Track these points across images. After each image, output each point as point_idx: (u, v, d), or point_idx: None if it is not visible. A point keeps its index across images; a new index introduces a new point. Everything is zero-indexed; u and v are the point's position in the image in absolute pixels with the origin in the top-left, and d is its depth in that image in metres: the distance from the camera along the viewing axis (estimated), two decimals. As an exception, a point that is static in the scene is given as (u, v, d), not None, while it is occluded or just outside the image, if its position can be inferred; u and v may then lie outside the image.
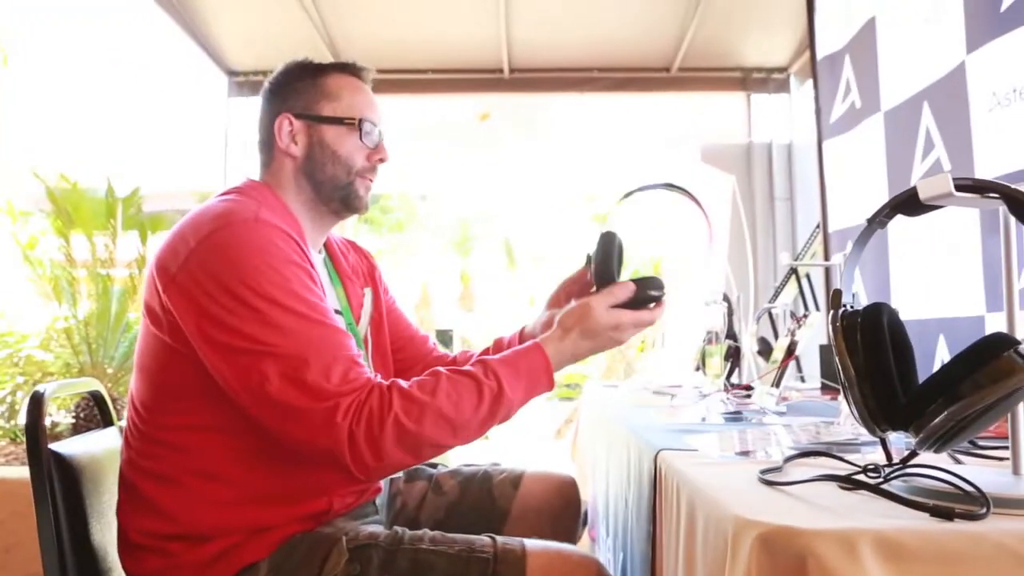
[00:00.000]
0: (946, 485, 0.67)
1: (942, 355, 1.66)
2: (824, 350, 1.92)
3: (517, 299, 10.22)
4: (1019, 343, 0.62)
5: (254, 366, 0.90)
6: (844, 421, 1.15)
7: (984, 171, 1.51)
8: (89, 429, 1.29)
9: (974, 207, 0.72)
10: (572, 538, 1.32)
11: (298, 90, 1.11)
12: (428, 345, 1.38)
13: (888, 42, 1.97)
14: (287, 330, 0.91)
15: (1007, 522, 0.61)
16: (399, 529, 1.02)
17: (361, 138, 1.11)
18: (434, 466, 1.37)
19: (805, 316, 1.48)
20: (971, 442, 0.95)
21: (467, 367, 0.99)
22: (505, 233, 11.00)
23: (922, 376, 0.70)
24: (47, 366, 3.64)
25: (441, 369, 0.98)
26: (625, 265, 1.12)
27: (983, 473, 0.72)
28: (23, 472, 2.35)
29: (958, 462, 0.86)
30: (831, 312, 0.73)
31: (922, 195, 0.70)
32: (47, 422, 0.98)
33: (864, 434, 0.94)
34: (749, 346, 1.99)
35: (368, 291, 1.27)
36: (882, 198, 1.95)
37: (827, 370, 1.83)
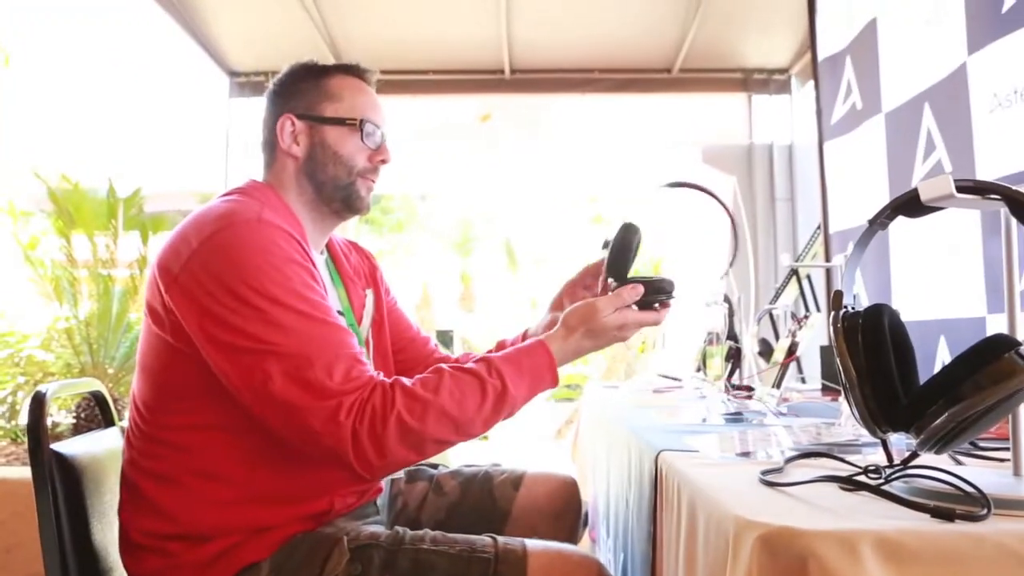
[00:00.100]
0: (947, 486, 0.67)
1: (943, 356, 1.66)
2: (825, 351, 1.92)
3: (518, 300, 10.21)
4: (1020, 344, 0.62)
5: (257, 365, 0.90)
6: (845, 422, 1.15)
7: (985, 172, 1.51)
8: (90, 429, 1.29)
9: (975, 208, 0.72)
10: (573, 539, 1.32)
11: (301, 91, 1.12)
12: (429, 346, 1.38)
13: (889, 43, 1.97)
14: (290, 329, 0.91)
15: (1008, 523, 0.61)
16: (400, 529, 1.02)
17: (363, 139, 1.11)
18: (435, 467, 1.38)
19: (806, 317, 1.48)
20: (972, 443, 0.95)
21: (470, 364, 0.99)
22: (506, 234, 10.99)
23: (923, 377, 0.70)
24: (48, 366, 3.64)
25: (444, 367, 0.98)
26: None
27: (984, 474, 0.72)
28: (24, 472, 2.35)
29: (959, 463, 0.86)
30: (832, 313, 0.74)
31: (923, 196, 0.70)
32: (48, 422, 0.99)
33: (865, 435, 0.94)
34: (750, 347, 1.99)
35: (370, 292, 1.27)
36: (883, 199, 1.95)
37: (828, 371, 1.83)
